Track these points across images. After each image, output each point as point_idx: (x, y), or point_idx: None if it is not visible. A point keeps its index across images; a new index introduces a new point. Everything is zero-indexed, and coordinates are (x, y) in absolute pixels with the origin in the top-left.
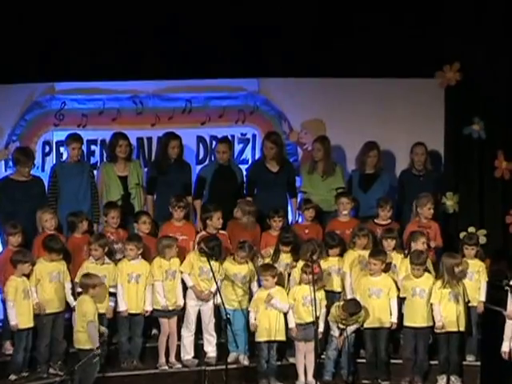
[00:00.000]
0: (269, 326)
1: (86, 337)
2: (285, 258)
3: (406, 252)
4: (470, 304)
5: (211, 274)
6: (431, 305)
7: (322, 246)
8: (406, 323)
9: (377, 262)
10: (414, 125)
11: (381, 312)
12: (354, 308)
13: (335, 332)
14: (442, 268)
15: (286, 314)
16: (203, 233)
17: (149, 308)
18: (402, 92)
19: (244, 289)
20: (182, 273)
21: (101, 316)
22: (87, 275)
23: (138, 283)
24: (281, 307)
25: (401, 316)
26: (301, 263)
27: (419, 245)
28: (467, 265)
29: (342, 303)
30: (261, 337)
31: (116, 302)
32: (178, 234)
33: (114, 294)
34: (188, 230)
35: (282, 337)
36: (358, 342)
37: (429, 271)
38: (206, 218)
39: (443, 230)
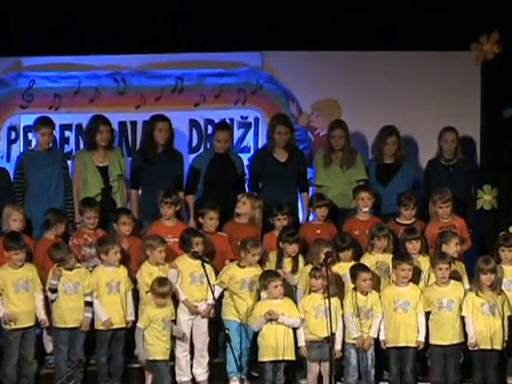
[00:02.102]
0: (275, 343)
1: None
2: (286, 263)
3: None
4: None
5: (205, 280)
6: (462, 318)
7: (333, 248)
8: (433, 341)
9: (410, 267)
10: (443, 106)
11: (408, 329)
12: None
13: (353, 333)
14: (477, 275)
15: (295, 329)
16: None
17: (131, 318)
18: (430, 67)
19: (253, 297)
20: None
21: (71, 331)
22: (159, 280)
23: (120, 292)
24: (291, 323)
25: (426, 333)
26: (307, 268)
27: (452, 247)
28: (503, 271)
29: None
30: (265, 356)
31: (93, 314)
32: (168, 235)
33: (90, 304)
34: (181, 232)
35: (290, 356)
36: (380, 362)
37: (457, 279)
38: (199, 216)
39: (481, 230)
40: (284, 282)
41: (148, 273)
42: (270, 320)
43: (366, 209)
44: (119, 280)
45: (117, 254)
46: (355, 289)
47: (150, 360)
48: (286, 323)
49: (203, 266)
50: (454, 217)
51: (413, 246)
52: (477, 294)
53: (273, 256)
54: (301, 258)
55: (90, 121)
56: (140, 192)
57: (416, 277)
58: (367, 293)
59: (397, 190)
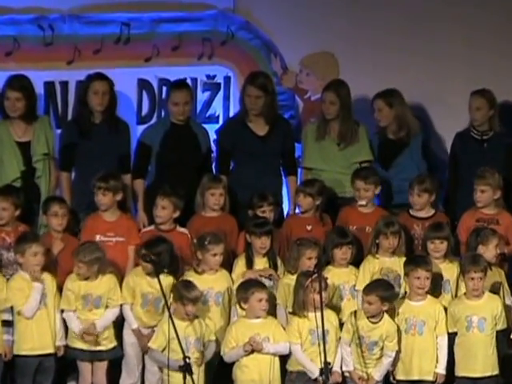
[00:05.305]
0: (259, 377)
1: None
2: (259, 264)
3: None
4: None
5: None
6: (509, 341)
7: (321, 250)
8: (460, 372)
9: (427, 274)
10: (474, 61)
11: (423, 356)
12: None
13: (344, 365)
14: None
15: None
16: (149, 228)
17: (61, 342)
18: (457, 9)
19: (222, 314)
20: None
21: None
22: (185, 283)
23: (47, 307)
24: (278, 350)
25: (451, 360)
26: (287, 277)
27: (491, 250)
28: None
29: None
30: None
31: (13, 335)
32: (109, 233)
33: (8, 323)
34: (125, 228)
35: None
36: None
37: (494, 291)
38: (151, 206)
39: None
40: (270, 296)
41: (73, 280)
42: (252, 352)
43: (363, 202)
44: (45, 291)
45: (36, 256)
46: (355, 312)
47: None
48: (272, 351)
49: (157, 276)
50: (501, 210)
51: (435, 247)
52: None
53: (241, 262)
54: (280, 263)
55: (4, 85)
56: (73, 175)
57: (438, 288)
58: (381, 318)
59: (401, 173)
